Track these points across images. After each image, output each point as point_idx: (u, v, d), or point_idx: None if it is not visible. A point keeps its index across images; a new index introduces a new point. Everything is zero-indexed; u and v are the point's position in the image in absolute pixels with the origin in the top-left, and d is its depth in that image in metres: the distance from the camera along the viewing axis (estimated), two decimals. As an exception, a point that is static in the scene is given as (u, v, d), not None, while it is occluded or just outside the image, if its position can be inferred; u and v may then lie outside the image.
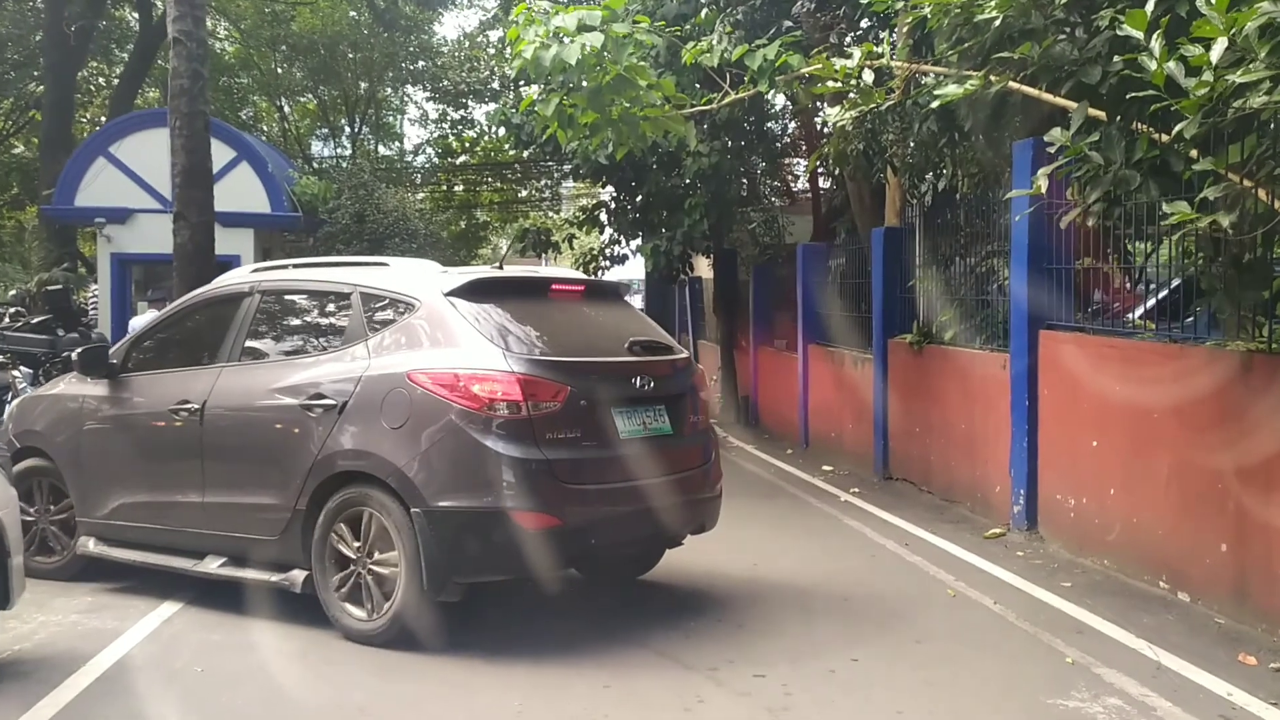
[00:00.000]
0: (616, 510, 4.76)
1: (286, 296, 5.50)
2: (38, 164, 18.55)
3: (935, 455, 8.66)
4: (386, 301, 4.99)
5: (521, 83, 15.26)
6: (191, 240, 9.74)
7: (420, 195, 24.74)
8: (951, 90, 5.38)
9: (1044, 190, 4.99)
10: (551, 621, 5.19)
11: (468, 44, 25.23)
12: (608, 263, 15.83)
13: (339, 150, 25.92)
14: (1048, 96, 5.54)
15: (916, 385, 9.02)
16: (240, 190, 14.21)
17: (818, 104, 8.86)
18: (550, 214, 27.58)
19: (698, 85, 10.75)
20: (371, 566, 4.67)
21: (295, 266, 5.80)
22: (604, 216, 14.97)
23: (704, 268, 17.65)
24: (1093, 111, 5.00)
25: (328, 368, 4.93)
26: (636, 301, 25.37)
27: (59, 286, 12.62)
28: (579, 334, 5.10)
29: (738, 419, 14.61)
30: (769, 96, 8.73)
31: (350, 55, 23.75)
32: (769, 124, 14.55)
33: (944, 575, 6.07)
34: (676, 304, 21.01)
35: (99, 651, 4.63)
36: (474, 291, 4.86)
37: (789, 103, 15.08)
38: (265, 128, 26.71)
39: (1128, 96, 4.66)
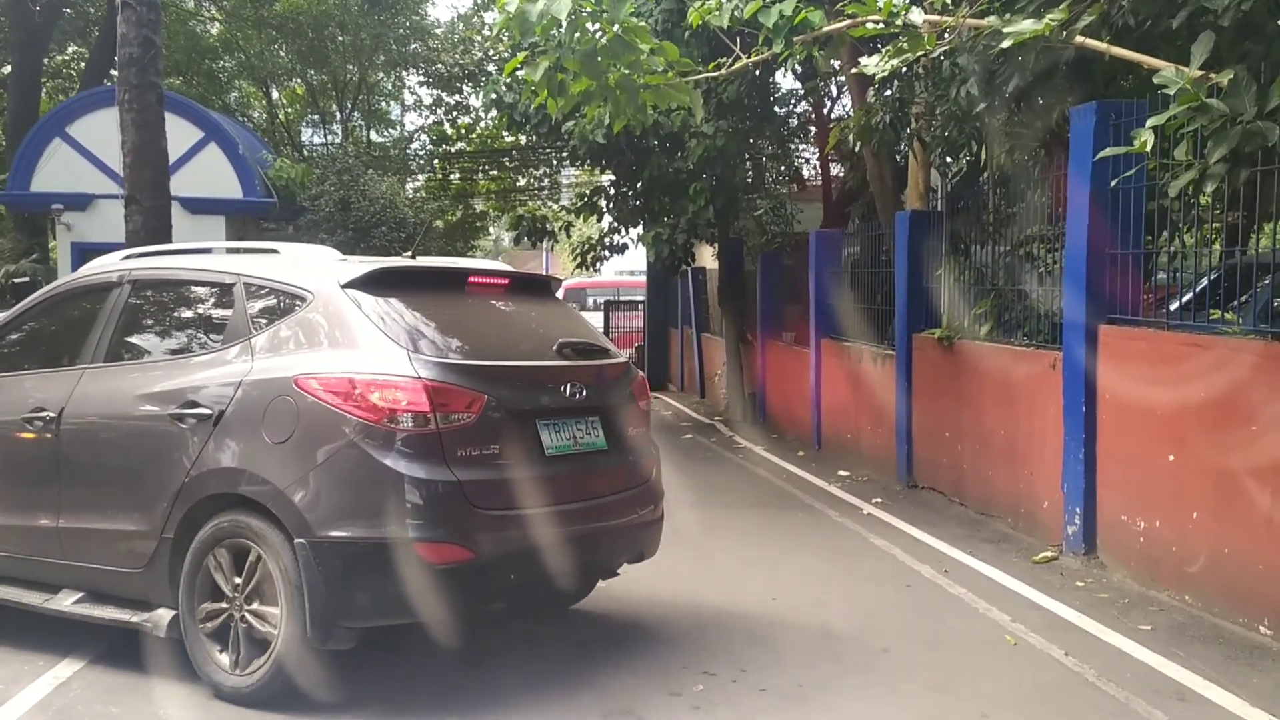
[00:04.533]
0: (541, 539, 4.07)
1: (160, 288, 4.81)
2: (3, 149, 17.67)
3: (968, 463, 7.76)
4: (274, 294, 4.31)
5: (505, 39, 14.35)
6: (145, 227, 8.82)
7: (416, 184, 23.89)
8: (1027, 26, 4.44)
9: (1149, 147, 4.04)
10: (480, 675, 4.30)
11: (461, 26, 24.37)
12: (607, 252, 15.15)
13: (330, 138, 25.04)
14: (1133, 55, 4.61)
15: (946, 385, 8.11)
16: (209, 173, 13.33)
17: (836, 71, 7.93)
18: (549, 203, 26.72)
19: (700, 60, 9.86)
20: (248, 609, 3.97)
21: (173, 253, 5.08)
22: (603, 203, 14.19)
23: (708, 257, 16.88)
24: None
25: (203, 371, 4.26)
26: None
27: (27, 279, 11.75)
28: (500, 334, 4.55)
29: (745, 417, 13.79)
30: (779, 74, 7.83)
31: (340, 37, 22.87)
32: (777, 107, 13.73)
33: (997, 614, 5.16)
34: (679, 296, 20.17)
35: (-29, 726, 3.75)
36: (377, 283, 4.19)
37: (799, 82, 14.40)
38: (254, 114, 25.82)
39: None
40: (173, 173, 10.06)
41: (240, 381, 4.08)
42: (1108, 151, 4.56)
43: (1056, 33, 4.55)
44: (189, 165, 13.00)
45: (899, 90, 8.43)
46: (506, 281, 4.70)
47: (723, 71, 7.50)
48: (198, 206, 12.77)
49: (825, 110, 15.73)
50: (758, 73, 11.76)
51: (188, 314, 4.70)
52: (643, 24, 7.09)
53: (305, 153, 23.16)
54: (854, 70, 7.64)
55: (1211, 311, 5.26)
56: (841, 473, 9.46)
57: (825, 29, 6.43)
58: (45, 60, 19.41)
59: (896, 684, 4.27)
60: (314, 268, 4.39)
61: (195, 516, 4.08)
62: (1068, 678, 4.30)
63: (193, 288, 4.69)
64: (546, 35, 6.95)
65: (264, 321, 4.24)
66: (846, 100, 15.15)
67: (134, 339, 4.69)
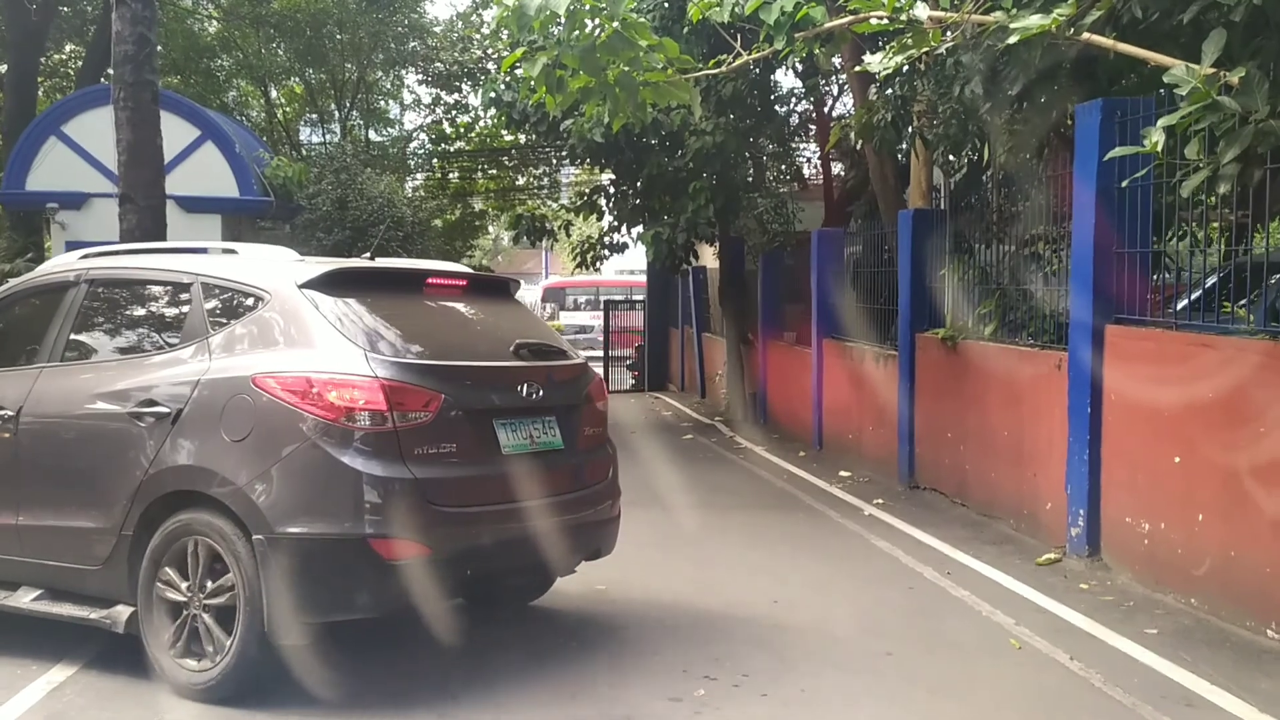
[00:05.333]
0: (497, 536, 4.17)
1: (118, 287, 4.81)
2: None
3: (971, 464, 7.69)
4: (232, 293, 4.35)
5: (504, 37, 14.28)
6: (139, 226, 8.70)
7: (415, 183, 23.75)
8: (1034, 21, 4.36)
9: (1159, 148, 3.97)
10: (477, 679, 4.23)
11: (460, 24, 24.27)
12: (607, 251, 15.05)
13: (329, 137, 24.93)
14: (1140, 51, 4.53)
15: (949, 385, 8.05)
16: (205, 172, 13.21)
17: (837, 69, 7.86)
18: (549, 202, 26.63)
19: (699, 58, 9.80)
20: (206, 605, 3.99)
21: (130, 253, 5.09)
22: (603, 202, 14.11)
23: (709, 257, 16.80)
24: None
25: (161, 370, 4.28)
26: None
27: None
28: (458, 335, 4.64)
29: (746, 417, 13.72)
30: (779, 72, 7.75)
31: (338, 35, 22.77)
32: (777, 106, 13.66)
33: (1000, 617, 5.09)
34: (680, 295, 20.11)
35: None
36: (334, 284, 4.24)
37: (799, 80, 14.32)
38: (252, 114, 25.71)
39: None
40: (168, 171, 9.97)
41: (198, 380, 4.10)
42: (1117, 152, 4.49)
43: (1064, 28, 4.47)
44: (185, 164, 12.89)
45: (901, 88, 8.35)
46: (464, 283, 4.77)
47: (723, 68, 7.42)
48: (193, 205, 12.65)
49: (826, 109, 15.67)
50: (758, 71, 11.71)
51: (145, 313, 4.70)
52: (642, 20, 7.02)
53: (304, 152, 23.06)
54: (856, 68, 7.57)
55: (1223, 307, 5.19)
56: (843, 473, 9.39)
57: (827, 25, 6.36)
58: (42, 59, 19.32)
59: (900, 689, 4.20)
60: (271, 268, 4.41)
61: (153, 514, 4.10)
62: (1073, 682, 4.24)
63: (150, 287, 4.69)
64: (545, 31, 6.89)
65: (222, 321, 4.27)
66: (847, 99, 15.10)
67: (92, 338, 4.70)
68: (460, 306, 4.75)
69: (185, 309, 4.40)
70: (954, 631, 4.92)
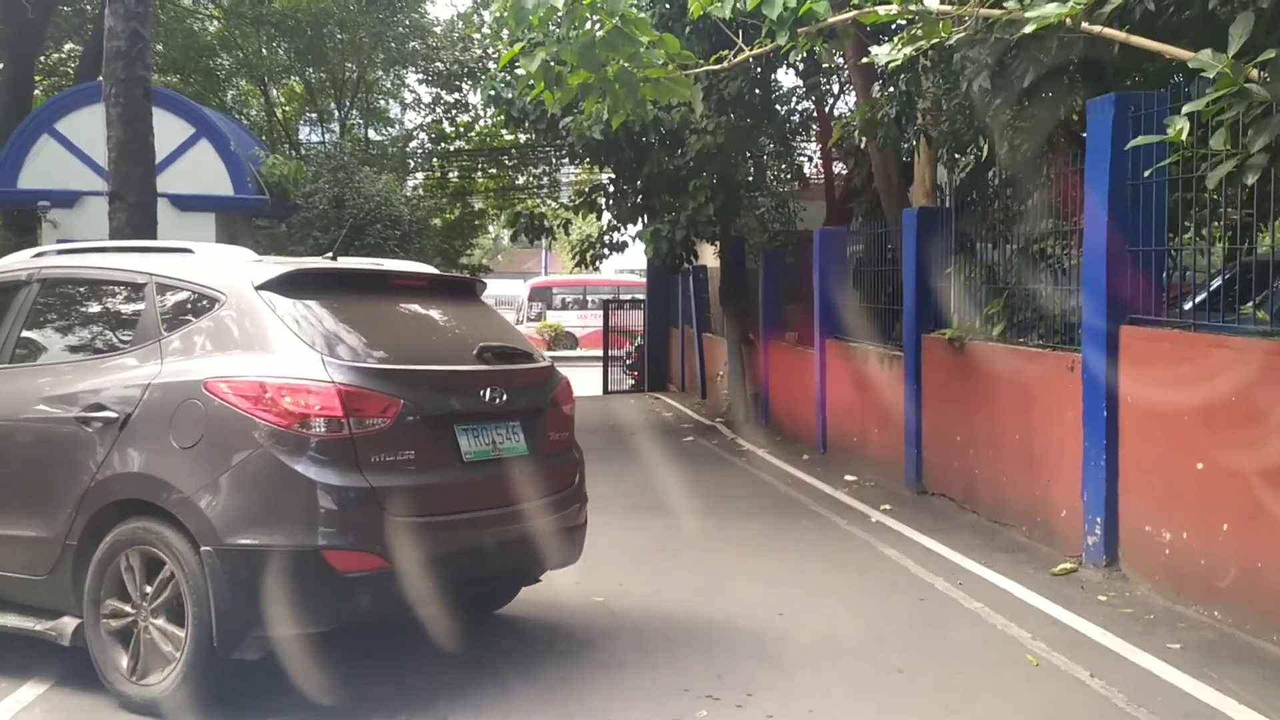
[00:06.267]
0: (458, 546, 4.06)
1: (70, 286, 4.68)
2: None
3: (980, 469, 7.50)
4: (186, 294, 4.21)
5: (505, 36, 14.11)
6: (129, 224, 8.52)
7: (415, 181, 23.56)
8: (1051, 10, 4.17)
9: (1184, 136, 3.78)
10: (466, 700, 4.04)
11: (461, 24, 24.10)
12: (606, 250, 14.88)
13: (328, 136, 24.76)
14: (1153, 44, 4.34)
15: (957, 387, 7.86)
16: (200, 170, 13.04)
17: (840, 68, 7.67)
18: (549, 201, 26.46)
19: (700, 55, 9.63)
20: (153, 618, 3.86)
21: (84, 251, 4.93)
22: (603, 200, 13.94)
23: (709, 256, 16.63)
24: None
25: (111, 374, 4.14)
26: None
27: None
28: (420, 338, 4.51)
29: (747, 418, 13.55)
30: (780, 71, 7.57)
31: (338, 35, 22.61)
32: (778, 105, 13.48)
33: (1016, 630, 4.90)
34: (680, 294, 19.93)
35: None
36: (293, 285, 4.10)
37: (800, 79, 14.12)
38: (251, 113, 25.54)
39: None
40: (163, 169, 9.81)
41: (149, 384, 3.97)
42: (1139, 140, 4.30)
43: (1081, 17, 4.28)
44: (179, 162, 12.72)
45: (906, 83, 8.17)
46: (427, 284, 4.69)
47: (724, 64, 7.25)
48: (187, 204, 12.48)
49: (827, 109, 15.49)
50: (759, 71, 11.54)
51: (98, 314, 4.57)
52: (643, 15, 6.85)
53: (303, 151, 22.88)
54: (864, 60, 7.38)
55: (1242, 309, 5.01)
56: (848, 477, 9.21)
57: (831, 20, 6.18)
58: (41, 58, 19.15)
59: (913, 707, 4.01)
60: (228, 268, 4.29)
61: (100, 523, 3.96)
62: (1095, 702, 4.04)
63: (103, 287, 4.56)
64: (544, 26, 6.72)
65: (175, 323, 4.15)
66: (847, 99, 14.92)
67: (42, 339, 4.57)
68: (423, 308, 4.64)
69: (138, 310, 4.27)
70: (968, 646, 4.73)
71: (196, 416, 3.81)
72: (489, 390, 4.24)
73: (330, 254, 4.76)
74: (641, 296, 24.27)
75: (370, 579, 3.74)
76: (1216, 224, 5.96)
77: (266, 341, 3.91)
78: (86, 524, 3.96)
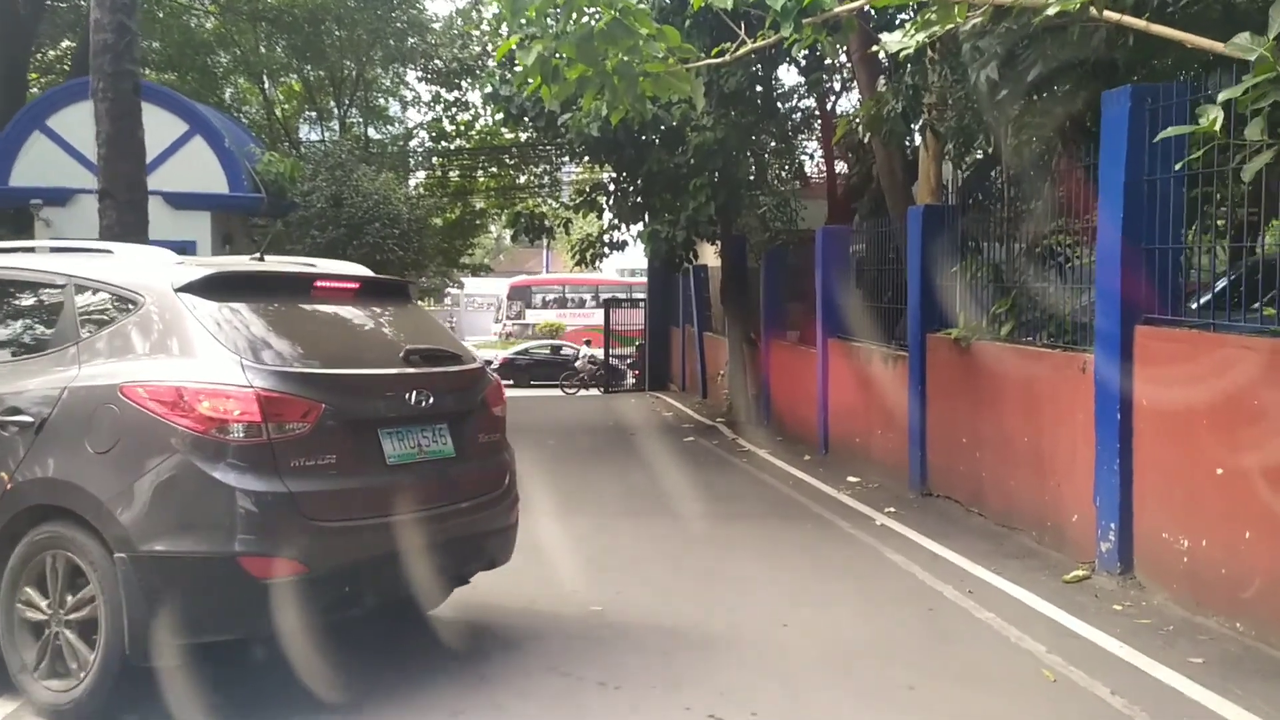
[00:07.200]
0: (380, 550, 3.97)
1: None
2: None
3: (988, 472, 7.33)
4: (105, 297, 4.14)
5: (504, 32, 13.95)
6: (120, 222, 8.39)
7: (416, 180, 23.41)
8: (1072, -6, 3.99)
9: (1218, 126, 3.60)
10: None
11: (460, 21, 23.92)
12: (606, 249, 14.73)
13: (328, 134, 24.59)
14: (1175, 33, 4.16)
15: (962, 388, 7.69)
16: (194, 168, 12.89)
17: (844, 64, 7.49)
18: (549, 200, 26.27)
19: (701, 50, 9.45)
20: (67, 624, 3.79)
21: (4, 252, 4.79)
22: (603, 200, 13.79)
23: (710, 255, 16.47)
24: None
25: (28, 377, 4.06)
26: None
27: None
28: (345, 342, 4.42)
29: (748, 418, 13.39)
30: (782, 68, 7.39)
31: (336, 31, 22.42)
32: (780, 103, 13.33)
33: (1030, 643, 4.72)
34: (680, 294, 19.77)
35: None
36: (215, 288, 4.03)
37: (801, 77, 13.96)
38: (249, 111, 25.35)
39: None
40: (156, 166, 9.66)
41: (65, 388, 3.90)
42: (1169, 131, 4.11)
43: (1103, 3, 4.10)
44: (172, 159, 12.57)
45: (913, 76, 7.99)
46: (357, 286, 4.58)
47: (727, 57, 7.06)
48: (181, 202, 12.33)
49: (829, 106, 15.33)
50: (760, 67, 11.36)
51: (15, 315, 4.47)
52: (643, 7, 6.67)
53: (301, 149, 22.71)
54: (873, 49, 7.20)
55: (1266, 310, 4.83)
56: (851, 479, 9.04)
57: (839, 9, 6.00)
58: (37, 55, 18.98)
59: (925, 728, 3.84)
60: (148, 270, 4.20)
61: (14, 528, 3.89)
62: (1117, 721, 3.87)
63: (22, 288, 4.46)
64: (542, 19, 6.54)
65: (93, 325, 4.07)
66: (850, 97, 14.76)
67: None
68: (351, 311, 4.54)
69: (56, 312, 4.18)
70: (981, 660, 4.54)
71: (112, 421, 3.74)
72: (415, 393, 4.19)
73: (258, 254, 4.67)
74: (623, 295, 24.09)
75: (289, 585, 3.66)
76: (1222, 221, 5.79)
77: (186, 345, 3.85)
78: (3, 529, 3.89)
